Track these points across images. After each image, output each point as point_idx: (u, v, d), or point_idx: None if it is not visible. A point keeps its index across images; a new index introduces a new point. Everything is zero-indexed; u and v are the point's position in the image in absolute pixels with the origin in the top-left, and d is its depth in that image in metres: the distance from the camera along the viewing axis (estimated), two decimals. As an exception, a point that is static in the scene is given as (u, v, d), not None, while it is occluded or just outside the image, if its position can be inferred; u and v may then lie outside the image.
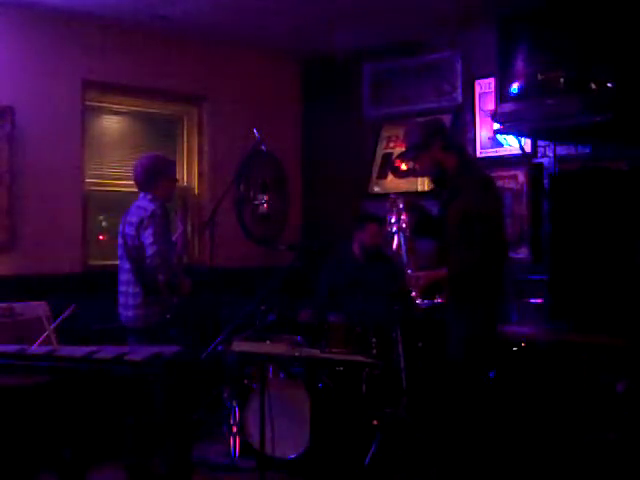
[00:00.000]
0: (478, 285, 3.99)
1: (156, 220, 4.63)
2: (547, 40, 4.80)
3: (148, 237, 4.60)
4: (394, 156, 6.45)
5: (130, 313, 4.73)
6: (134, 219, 4.72)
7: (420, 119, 5.75)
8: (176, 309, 4.74)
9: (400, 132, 6.44)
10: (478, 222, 3.95)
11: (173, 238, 4.91)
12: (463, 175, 4.12)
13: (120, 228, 4.88)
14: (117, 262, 4.93)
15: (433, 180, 4.43)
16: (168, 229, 4.72)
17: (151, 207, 4.68)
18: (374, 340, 5.00)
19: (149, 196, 4.77)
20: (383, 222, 5.58)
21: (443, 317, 4.14)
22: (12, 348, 3.44)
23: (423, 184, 6.25)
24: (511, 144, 5.60)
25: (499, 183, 5.05)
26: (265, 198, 6.73)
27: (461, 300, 4.00)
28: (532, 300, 5.16)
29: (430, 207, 4.47)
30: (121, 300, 4.80)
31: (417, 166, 4.57)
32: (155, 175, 4.80)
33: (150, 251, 4.58)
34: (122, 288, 4.80)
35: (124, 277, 4.78)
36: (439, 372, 4.34)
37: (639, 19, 4.45)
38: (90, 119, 5.92)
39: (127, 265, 4.74)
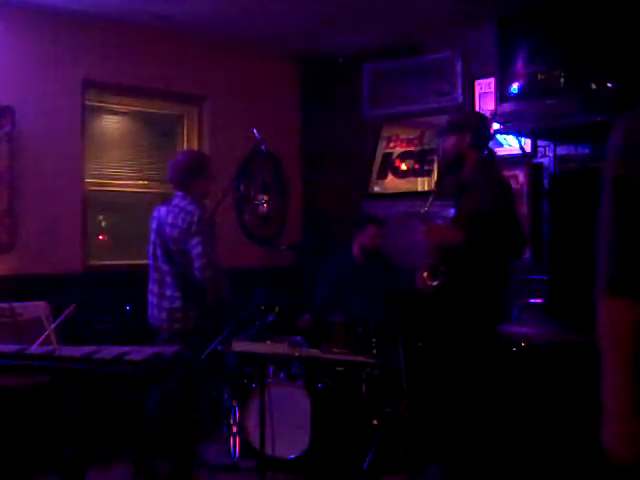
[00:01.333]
0: (484, 272, 3.99)
1: (203, 228, 4.45)
2: (547, 40, 4.80)
3: (197, 246, 4.42)
4: (394, 156, 6.46)
5: (164, 315, 4.56)
6: (179, 222, 4.51)
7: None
8: (215, 315, 4.60)
9: (400, 132, 6.47)
10: (488, 220, 3.95)
11: None
12: (477, 174, 4.12)
13: (153, 226, 4.67)
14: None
15: (445, 165, 4.42)
16: (214, 235, 4.54)
17: (197, 211, 4.49)
18: (374, 340, 5.00)
19: (189, 197, 4.57)
20: (382, 223, 5.61)
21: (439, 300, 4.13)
22: (12, 348, 3.44)
23: (423, 184, 6.25)
24: (511, 144, 5.60)
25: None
26: (265, 198, 6.74)
27: (465, 283, 4.00)
28: (532, 300, 5.16)
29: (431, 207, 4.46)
30: (153, 301, 4.62)
31: (442, 145, 4.53)
32: (193, 173, 4.62)
33: (199, 263, 4.40)
34: (155, 289, 4.61)
35: (158, 277, 4.59)
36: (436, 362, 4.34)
37: (639, 19, 4.45)
38: (90, 119, 5.92)
39: (166, 267, 4.55)
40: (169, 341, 4.48)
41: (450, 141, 4.23)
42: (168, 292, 4.55)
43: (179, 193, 4.63)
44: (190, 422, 4.46)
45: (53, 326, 3.98)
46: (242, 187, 6.60)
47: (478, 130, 4.24)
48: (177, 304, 4.53)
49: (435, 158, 6.17)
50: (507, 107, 5.00)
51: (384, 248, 5.63)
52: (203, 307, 4.51)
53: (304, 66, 7.02)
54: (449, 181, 4.31)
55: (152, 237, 4.64)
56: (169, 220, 4.56)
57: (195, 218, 4.46)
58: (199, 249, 4.41)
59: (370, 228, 5.54)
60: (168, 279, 4.55)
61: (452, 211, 4.33)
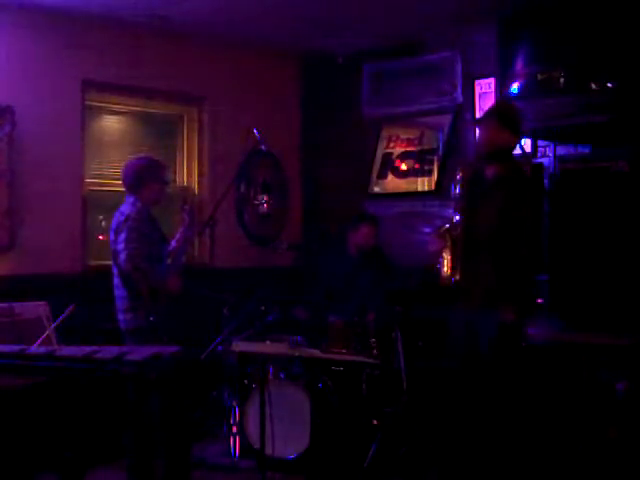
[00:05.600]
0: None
1: (129, 224, 4.58)
2: (547, 40, 4.80)
3: (120, 243, 4.58)
4: (394, 156, 6.46)
5: (121, 316, 4.72)
6: (114, 225, 4.72)
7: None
8: (164, 311, 4.69)
9: (400, 132, 6.47)
10: (522, 222, 3.95)
11: (176, 237, 4.88)
12: (512, 173, 4.08)
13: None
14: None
15: (481, 154, 4.33)
16: (143, 232, 4.63)
17: (127, 211, 4.65)
18: (374, 340, 5.00)
19: (131, 199, 4.72)
20: (376, 222, 5.61)
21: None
22: (12, 348, 3.44)
23: (423, 184, 6.25)
24: (511, 144, 5.59)
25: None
26: (265, 198, 6.74)
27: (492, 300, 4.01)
28: (532, 300, 5.16)
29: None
30: (115, 303, 4.81)
31: (481, 132, 4.40)
32: (144, 178, 4.74)
33: (122, 257, 4.56)
34: (114, 292, 4.80)
35: (114, 281, 4.79)
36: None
37: (639, 19, 4.45)
38: (90, 119, 5.92)
39: (114, 269, 4.75)
40: (131, 342, 4.64)
41: (488, 132, 4.10)
42: (120, 293, 4.72)
43: (129, 198, 4.76)
44: (187, 422, 4.46)
45: (53, 326, 3.99)
46: (242, 187, 6.60)
47: (519, 128, 4.14)
48: (127, 304, 4.68)
49: (435, 158, 6.16)
50: (507, 107, 4.99)
51: (383, 246, 5.63)
52: (147, 306, 4.62)
53: (304, 66, 7.02)
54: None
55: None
56: (112, 225, 4.76)
57: (122, 218, 4.63)
58: (122, 245, 4.57)
59: (363, 227, 5.55)
60: (116, 280, 4.73)
61: (465, 202, 4.23)
